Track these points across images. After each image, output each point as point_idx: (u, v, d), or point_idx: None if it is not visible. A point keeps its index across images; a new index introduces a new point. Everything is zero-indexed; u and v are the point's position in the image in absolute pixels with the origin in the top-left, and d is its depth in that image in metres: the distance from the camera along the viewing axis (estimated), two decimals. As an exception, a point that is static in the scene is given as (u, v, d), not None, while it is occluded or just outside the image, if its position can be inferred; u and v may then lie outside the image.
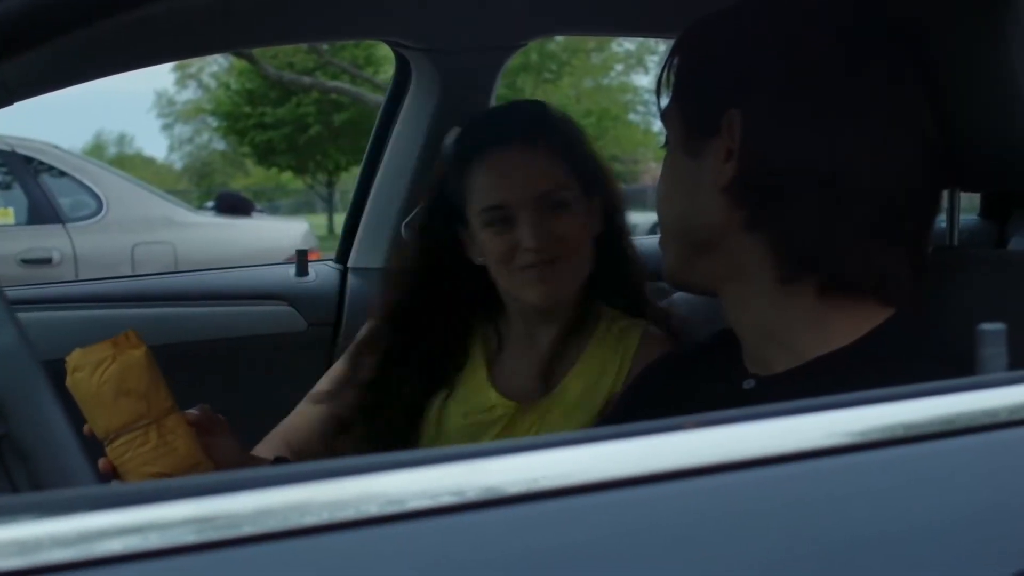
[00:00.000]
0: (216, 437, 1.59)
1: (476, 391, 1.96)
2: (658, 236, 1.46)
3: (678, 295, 2.01)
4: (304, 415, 2.00)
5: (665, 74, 1.41)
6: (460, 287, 1.99)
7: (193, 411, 1.52)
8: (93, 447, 1.46)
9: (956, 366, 1.07)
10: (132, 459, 1.44)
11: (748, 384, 1.37)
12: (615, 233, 1.99)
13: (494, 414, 1.94)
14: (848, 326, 1.30)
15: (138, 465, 1.44)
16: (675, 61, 1.40)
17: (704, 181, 1.33)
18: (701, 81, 1.37)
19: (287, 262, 2.81)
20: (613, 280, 1.99)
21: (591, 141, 2.01)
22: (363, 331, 2.07)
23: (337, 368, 2.06)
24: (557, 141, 1.92)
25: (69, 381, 1.45)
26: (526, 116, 2.00)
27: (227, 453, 1.59)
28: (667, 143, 1.43)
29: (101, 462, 1.44)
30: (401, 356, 1.98)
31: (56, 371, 1.63)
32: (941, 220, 1.57)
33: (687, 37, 1.41)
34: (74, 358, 1.47)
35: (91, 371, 1.45)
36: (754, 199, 1.30)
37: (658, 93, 1.42)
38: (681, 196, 1.38)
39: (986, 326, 1.05)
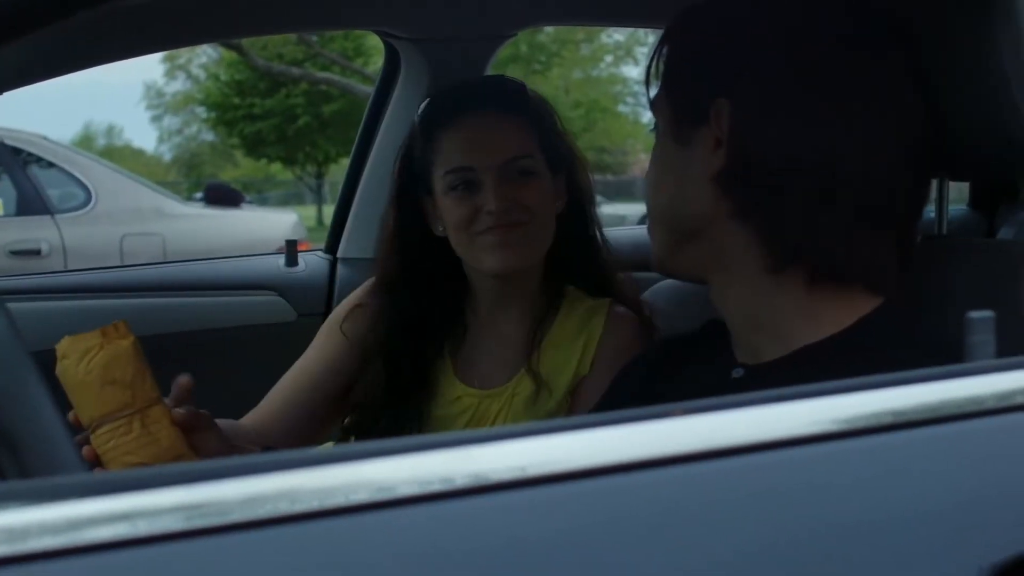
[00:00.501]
0: (202, 432, 1.59)
1: (442, 382, 1.96)
2: (647, 225, 1.46)
3: (660, 283, 2.01)
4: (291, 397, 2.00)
5: (655, 62, 1.41)
6: (426, 262, 1.97)
7: (179, 411, 1.51)
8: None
9: (944, 354, 1.07)
10: (115, 448, 1.44)
11: (737, 373, 1.37)
12: (579, 212, 1.98)
13: (462, 404, 1.94)
14: (836, 315, 1.30)
15: (121, 454, 1.44)
16: (665, 49, 1.40)
17: (692, 169, 1.33)
18: (691, 69, 1.37)
19: (277, 252, 2.81)
20: (576, 260, 1.98)
21: (562, 122, 2.01)
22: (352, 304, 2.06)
23: (327, 351, 2.04)
24: (527, 112, 1.93)
25: (57, 368, 1.46)
26: (499, 87, 2.01)
27: (213, 446, 1.59)
28: (656, 130, 1.43)
29: (84, 450, 1.44)
30: (398, 325, 1.97)
31: (45, 361, 1.63)
32: (930, 210, 1.58)
33: (678, 25, 1.41)
34: (63, 345, 1.48)
35: (78, 359, 1.45)
36: (742, 189, 1.30)
37: (647, 81, 1.42)
38: (669, 184, 1.38)
39: (974, 314, 1.05)
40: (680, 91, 1.38)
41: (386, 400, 1.94)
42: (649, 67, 1.42)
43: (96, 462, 1.45)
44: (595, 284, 1.99)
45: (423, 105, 2.01)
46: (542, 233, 1.90)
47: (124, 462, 1.44)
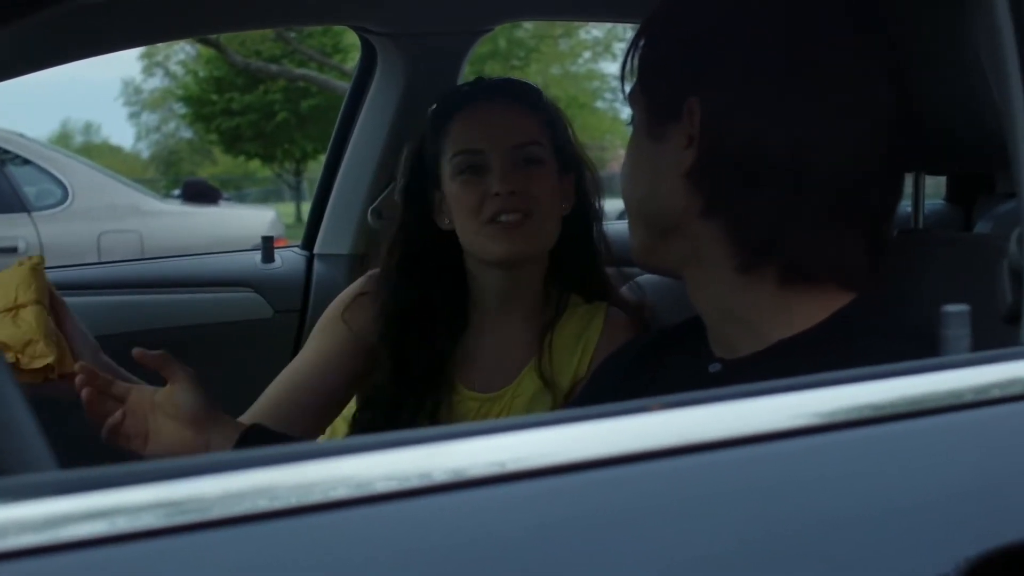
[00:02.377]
0: (177, 384, 1.62)
1: (445, 383, 1.95)
2: (626, 220, 1.46)
3: (643, 278, 2.01)
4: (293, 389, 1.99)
5: (631, 57, 1.42)
6: (430, 256, 1.96)
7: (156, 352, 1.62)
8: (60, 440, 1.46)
9: (919, 347, 1.07)
10: None
11: (714, 368, 1.37)
12: (585, 217, 1.98)
13: (464, 408, 1.94)
14: (810, 309, 1.30)
15: None
16: (640, 43, 1.41)
17: (665, 166, 1.34)
18: (664, 67, 1.37)
19: (253, 249, 2.80)
20: (577, 264, 1.98)
21: (573, 129, 2.01)
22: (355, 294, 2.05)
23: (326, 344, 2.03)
24: (541, 110, 1.94)
25: None
26: (515, 81, 2.04)
27: (191, 403, 1.61)
28: (632, 124, 1.43)
29: None
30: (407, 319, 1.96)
31: (21, 358, 1.62)
32: (907, 205, 1.58)
33: (653, 20, 1.41)
34: None
35: None
36: (711, 185, 1.31)
37: (623, 76, 1.43)
38: (644, 179, 1.39)
39: (950, 308, 1.06)
40: (654, 88, 1.38)
41: (395, 393, 1.93)
42: (625, 62, 1.43)
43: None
44: (594, 289, 1.99)
45: (437, 100, 2.02)
46: (547, 225, 1.90)
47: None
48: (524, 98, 1.94)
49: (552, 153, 1.91)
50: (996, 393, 1.03)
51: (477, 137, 1.88)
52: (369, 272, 2.06)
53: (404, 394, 1.93)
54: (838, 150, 1.28)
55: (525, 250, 1.88)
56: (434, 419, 1.91)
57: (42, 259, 1.78)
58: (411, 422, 1.90)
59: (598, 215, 2.01)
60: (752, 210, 1.29)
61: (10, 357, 1.66)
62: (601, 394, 1.52)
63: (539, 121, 1.92)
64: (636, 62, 1.41)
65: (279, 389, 1.97)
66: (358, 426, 1.98)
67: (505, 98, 1.93)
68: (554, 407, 1.88)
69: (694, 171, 1.31)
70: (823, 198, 1.28)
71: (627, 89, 1.43)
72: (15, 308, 1.71)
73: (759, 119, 1.28)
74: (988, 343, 1.08)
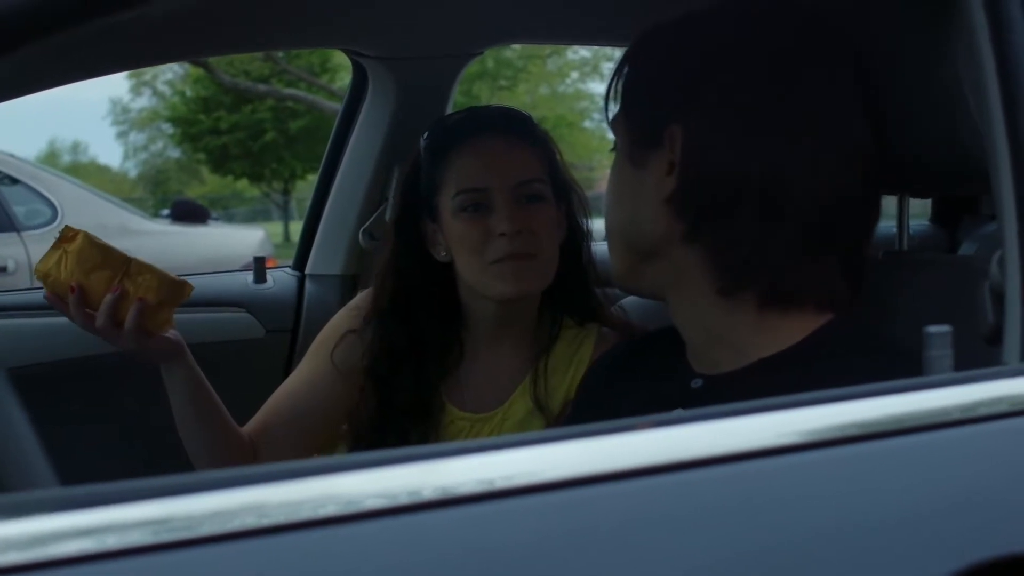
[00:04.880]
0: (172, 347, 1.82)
1: (434, 407, 1.95)
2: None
3: (627, 300, 2.02)
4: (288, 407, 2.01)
5: (615, 83, 1.43)
6: (423, 288, 1.96)
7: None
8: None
9: (901, 366, 1.09)
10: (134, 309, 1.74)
11: (696, 383, 1.38)
12: (577, 242, 1.99)
13: (455, 428, 1.94)
14: (791, 330, 1.32)
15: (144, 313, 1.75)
16: (624, 71, 1.42)
17: (647, 191, 1.35)
18: (646, 94, 1.39)
19: (245, 269, 2.80)
20: (571, 287, 1.98)
21: (560, 153, 2.01)
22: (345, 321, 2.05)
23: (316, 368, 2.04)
24: (537, 142, 1.94)
25: (47, 291, 1.78)
26: (509, 113, 2.02)
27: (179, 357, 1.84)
28: (615, 150, 1.44)
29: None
30: (397, 354, 1.96)
31: (16, 379, 1.61)
32: (892, 226, 1.60)
33: (636, 49, 1.43)
34: (39, 270, 1.79)
35: (58, 271, 1.77)
36: (692, 212, 1.32)
37: (607, 101, 1.44)
38: (626, 205, 1.40)
39: (932, 328, 1.07)
40: (637, 115, 1.40)
41: (382, 425, 1.94)
42: (609, 88, 1.44)
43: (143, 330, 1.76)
44: (586, 310, 1.99)
45: (429, 130, 2.00)
46: (552, 261, 1.90)
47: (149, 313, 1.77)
48: (523, 132, 1.94)
49: (551, 187, 1.91)
50: (982, 411, 1.04)
51: (480, 175, 1.87)
52: (357, 300, 2.07)
53: (391, 425, 1.93)
54: (814, 178, 1.29)
55: (532, 289, 1.89)
56: (424, 443, 1.92)
57: (74, 228, 1.81)
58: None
59: (587, 236, 2.01)
60: (731, 236, 1.31)
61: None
62: (584, 411, 1.54)
63: (538, 155, 1.92)
64: (620, 88, 1.43)
65: (268, 412, 2.00)
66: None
67: (505, 133, 1.92)
68: (545, 429, 1.88)
69: (675, 197, 1.32)
70: (800, 224, 1.29)
71: (611, 115, 1.44)
72: (123, 275, 1.76)
73: (736, 148, 1.30)
74: (972, 363, 1.09)
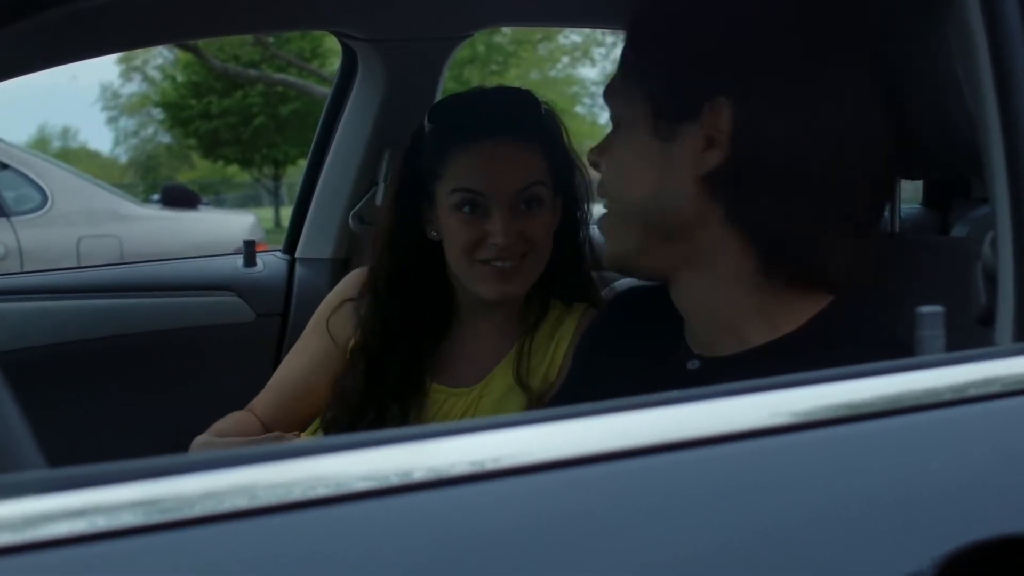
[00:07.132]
0: None
1: (417, 380, 1.96)
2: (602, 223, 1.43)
3: (620, 281, 2.02)
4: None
5: (631, 53, 1.36)
6: (417, 264, 1.95)
7: None
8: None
9: (895, 351, 1.09)
10: None
11: (693, 364, 1.36)
12: (574, 227, 1.98)
13: (429, 400, 1.94)
14: (795, 313, 1.31)
15: None
16: (643, 40, 1.35)
17: (677, 167, 1.29)
18: (680, 64, 1.31)
19: (235, 253, 2.80)
20: (563, 270, 1.97)
21: (567, 132, 1.99)
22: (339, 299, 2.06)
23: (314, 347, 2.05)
24: (543, 138, 1.91)
25: None
26: (517, 108, 1.95)
27: None
28: (620, 122, 1.37)
29: None
30: (391, 325, 1.96)
31: (5, 361, 1.63)
32: (885, 209, 1.60)
33: (659, 17, 1.35)
34: None
35: None
36: (735, 190, 1.27)
37: (625, 71, 1.37)
38: (646, 181, 1.33)
39: (924, 309, 1.07)
40: (666, 83, 1.31)
41: (365, 395, 1.94)
42: (625, 59, 1.37)
43: None
44: (577, 292, 1.99)
45: (433, 111, 1.96)
46: (540, 263, 1.89)
47: None
48: (526, 129, 1.89)
49: (551, 185, 1.89)
50: (974, 392, 1.04)
51: (480, 180, 1.84)
52: (357, 271, 2.07)
53: (374, 397, 1.94)
54: (860, 156, 1.28)
55: (514, 293, 1.89)
56: (403, 418, 1.92)
57: None
58: (377, 422, 1.91)
59: (586, 220, 2.00)
60: (777, 216, 1.27)
61: None
62: (577, 387, 1.52)
63: (542, 155, 1.88)
64: (637, 57, 1.36)
65: (274, 396, 2.02)
66: (323, 423, 1.99)
67: (510, 134, 1.87)
68: (524, 408, 1.88)
69: (716, 174, 1.27)
70: (841, 203, 1.28)
71: (619, 83, 1.37)
72: None
73: (790, 124, 1.25)
74: (964, 344, 1.09)
